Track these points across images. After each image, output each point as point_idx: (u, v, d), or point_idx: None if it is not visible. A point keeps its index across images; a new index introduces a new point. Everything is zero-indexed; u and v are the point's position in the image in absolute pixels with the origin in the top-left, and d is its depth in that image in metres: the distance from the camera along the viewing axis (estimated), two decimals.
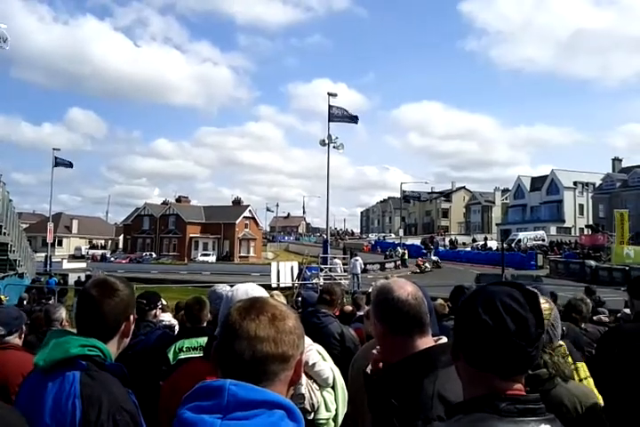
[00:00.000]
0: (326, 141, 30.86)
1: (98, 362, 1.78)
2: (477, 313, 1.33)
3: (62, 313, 4.90)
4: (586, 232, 52.68)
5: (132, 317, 1.97)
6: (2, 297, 13.04)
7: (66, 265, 48.39)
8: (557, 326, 2.53)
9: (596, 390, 2.65)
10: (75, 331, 1.93)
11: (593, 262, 33.51)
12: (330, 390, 3.55)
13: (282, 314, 1.29)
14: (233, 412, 1.12)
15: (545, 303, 2.44)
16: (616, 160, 64.32)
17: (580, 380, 2.71)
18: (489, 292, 1.38)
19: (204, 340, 3.41)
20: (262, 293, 2.54)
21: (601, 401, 2.50)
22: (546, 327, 2.39)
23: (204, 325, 3.92)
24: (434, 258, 45.56)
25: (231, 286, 2.90)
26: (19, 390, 1.83)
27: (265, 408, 1.13)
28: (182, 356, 3.64)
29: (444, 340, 1.98)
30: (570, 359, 2.82)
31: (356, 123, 32.21)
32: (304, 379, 3.36)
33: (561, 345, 2.60)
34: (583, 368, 2.85)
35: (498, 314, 1.31)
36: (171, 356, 3.69)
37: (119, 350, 1.96)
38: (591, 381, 2.76)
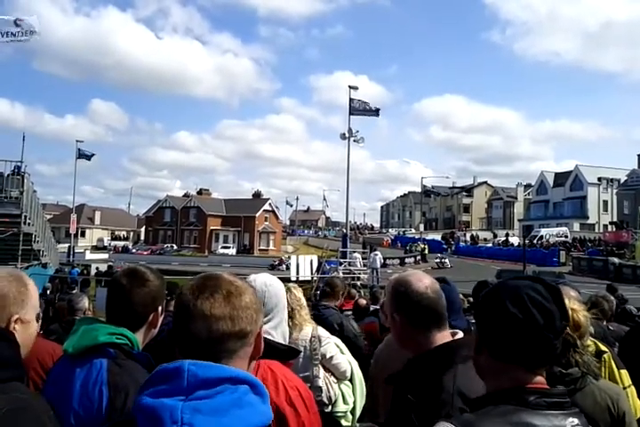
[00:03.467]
0: (347, 135, 30.73)
1: (125, 351, 1.81)
2: (505, 306, 1.33)
3: (85, 303, 4.98)
4: (610, 229, 51.82)
5: (160, 308, 1.98)
6: None
7: (88, 256, 49.06)
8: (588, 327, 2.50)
9: (638, 401, 2.61)
10: (103, 319, 1.96)
11: (616, 260, 32.92)
12: (348, 383, 3.56)
13: (237, 290, 1.25)
14: (195, 392, 1.08)
15: (579, 304, 2.42)
16: None
17: (624, 388, 2.67)
18: (513, 285, 1.38)
19: None
20: (279, 284, 2.55)
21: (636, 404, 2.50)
22: (588, 328, 2.39)
23: None
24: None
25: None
26: (47, 376, 1.87)
27: (227, 384, 1.10)
28: None
29: (461, 334, 1.97)
30: (614, 366, 2.79)
31: (378, 116, 32.01)
32: (321, 372, 3.38)
33: (589, 345, 2.58)
34: (626, 376, 2.80)
35: (525, 307, 1.31)
36: None
37: (147, 340, 1.99)
38: (634, 389, 2.71)
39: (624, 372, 2.82)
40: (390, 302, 2.01)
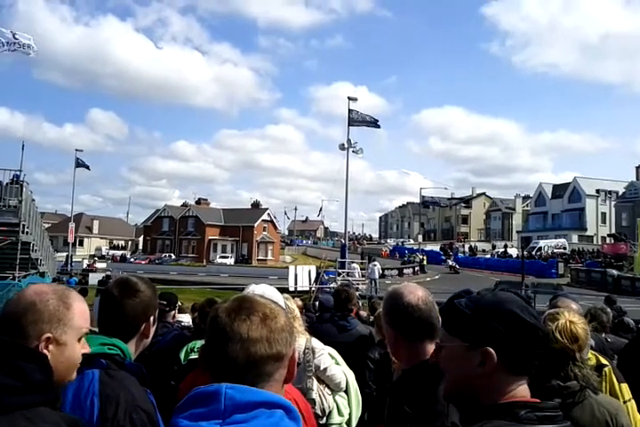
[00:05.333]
0: (345, 146, 30.83)
1: (117, 361, 1.80)
2: (522, 318, 1.30)
3: None
4: (608, 241, 51.90)
5: (152, 318, 1.98)
6: None
7: (86, 265, 48.94)
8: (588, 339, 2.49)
9: (638, 415, 2.59)
10: (95, 329, 1.95)
11: (615, 272, 32.98)
12: (343, 394, 3.53)
13: (272, 312, 1.25)
14: (231, 416, 1.08)
15: (578, 317, 2.41)
16: None
17: (624, 402, 2.65)
18: (509, 298, 1.36)
19: None
20: (277, 294, 2.54)
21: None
22: (587, 341, 2.37)
23: None
24: (451, 263, 45.72)
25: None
26: None
27: (263, 408, 1.10)
28: (193, 356, 3.68)
29: None
30: (615, 380, 2.77)
31: (378, 127, 32.16)
32: (315, 384, 3.35)
33: (590, 358, 2.56)
34: (626, 390, 2.78)
35: (536, 317, 1.32)
36: (182, 356, 3.72)
37: (139, 350, 1.98)
38: (634, 403, 2.69)
39: (624, 386, 2.80)
40: (384, 316, 2.03)
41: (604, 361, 2.82)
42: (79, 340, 1.59)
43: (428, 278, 37.67)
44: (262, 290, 2.37)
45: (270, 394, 1.16)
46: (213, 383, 1.15)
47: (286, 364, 1.25)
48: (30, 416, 1.30)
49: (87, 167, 45.50)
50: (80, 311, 1.59)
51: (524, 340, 1.30)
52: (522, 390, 1.31)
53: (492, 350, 1.29)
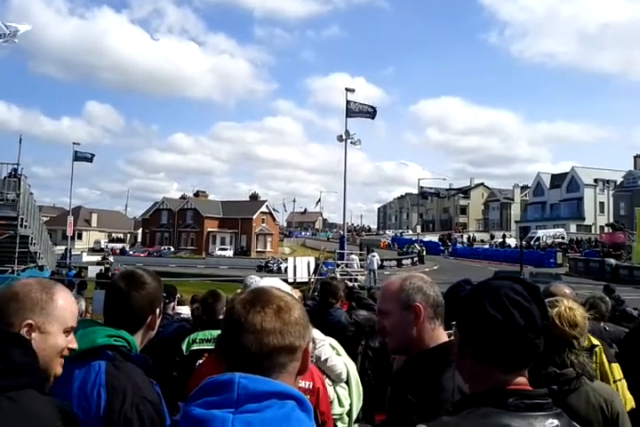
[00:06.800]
0: (343, 137, 30.75)
1: (123, 353, 1.82)
2: (485, 308, 1.34)
3: (82, 305, 4.98)
4: (606, 230, 51.99)
5: (157, 310, 2.00)
6: None
7: (85, 258, 48.98)
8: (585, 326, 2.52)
9: (628, 393, 2.64)
10: (101, 321, 1.97)
11: (613, 261, 33.08)
12: (344, 385, 3.54)
13: (287, 305, 1.27)
14: (244, 405, 1.10)
15: (577, 304, 2.43)
16: (638, 157, 63.32)
17: (615, 381, 2.69)
18: (493, 287, 1.39)
19: (217, 332, 3.45)
20: (286, 287, 2.55)
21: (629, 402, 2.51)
22: (586, 328, 2.39)
23: (219, 317, 3.95)
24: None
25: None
26: None
27: (276, 399, 1.12)
28: (195, 347, 3.69)
29: None
30: (605, 360, 2.82)
31: (373, 117, 31.96)
32: None
33: (593, 345, 2.60)
34: (617, 370, 2.83)
35: (505, 308, 1.32)
36: (184, 347, 3.74)
37: (144, 342, 2.00)
38: (625, 383, 2.75)
39: (615, 365, 2.87)
40: (394, 301, 1.94)
41: (595, 342, 2.88)
42: (65, 332, 1.61)
43: (427, 269, 37.65)
44: (270, 284, 2.37)
45: (283, 385, 1.17)
46: (227, 372, 1.17)
47: (300, 356, 1.26)
48: (13, 397, 1.33)
49: (89, 159, 44.86)
50: (64, 303, 1.61)
51: (487, 332, 1.33)
52: (495, 381, 1.33)
53: (462, 340, 1.40)
